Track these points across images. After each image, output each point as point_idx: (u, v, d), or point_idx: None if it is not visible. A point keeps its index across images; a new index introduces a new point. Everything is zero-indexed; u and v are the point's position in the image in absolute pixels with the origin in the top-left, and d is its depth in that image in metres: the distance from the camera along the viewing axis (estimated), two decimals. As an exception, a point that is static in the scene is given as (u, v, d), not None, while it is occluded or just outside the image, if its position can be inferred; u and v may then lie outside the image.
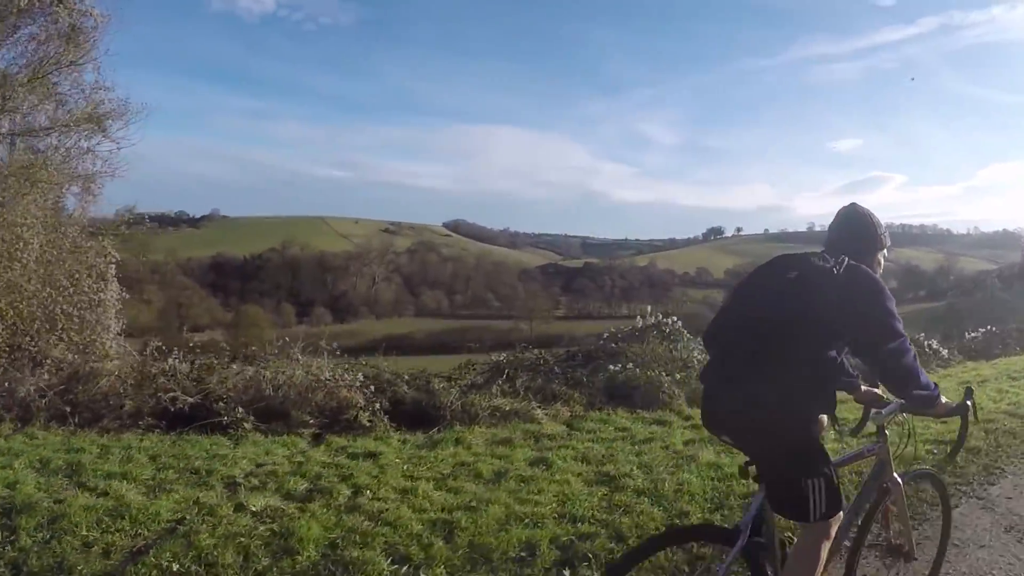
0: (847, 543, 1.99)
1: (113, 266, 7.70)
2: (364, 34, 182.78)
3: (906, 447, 2.10)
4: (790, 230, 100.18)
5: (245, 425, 4.73)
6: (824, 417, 1.84)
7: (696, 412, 5.53)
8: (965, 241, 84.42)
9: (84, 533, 2.55)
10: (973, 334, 9.28)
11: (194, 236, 73.29)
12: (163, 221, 77.22)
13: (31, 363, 6.02)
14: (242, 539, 2.47)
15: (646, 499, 2.86)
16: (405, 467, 3.54)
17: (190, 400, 4.94)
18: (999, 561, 2.61)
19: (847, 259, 1.76)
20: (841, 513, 1.78)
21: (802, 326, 1.66)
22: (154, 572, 2.24)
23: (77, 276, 7.03)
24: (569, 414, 5.38)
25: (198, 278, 56.53)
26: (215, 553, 2.36)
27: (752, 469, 1.76)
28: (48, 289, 6.70)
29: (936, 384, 1.82)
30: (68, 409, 4.94)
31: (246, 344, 7.00)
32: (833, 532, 1.77)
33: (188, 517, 2.69)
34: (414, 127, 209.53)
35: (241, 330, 35.90)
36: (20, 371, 5.39)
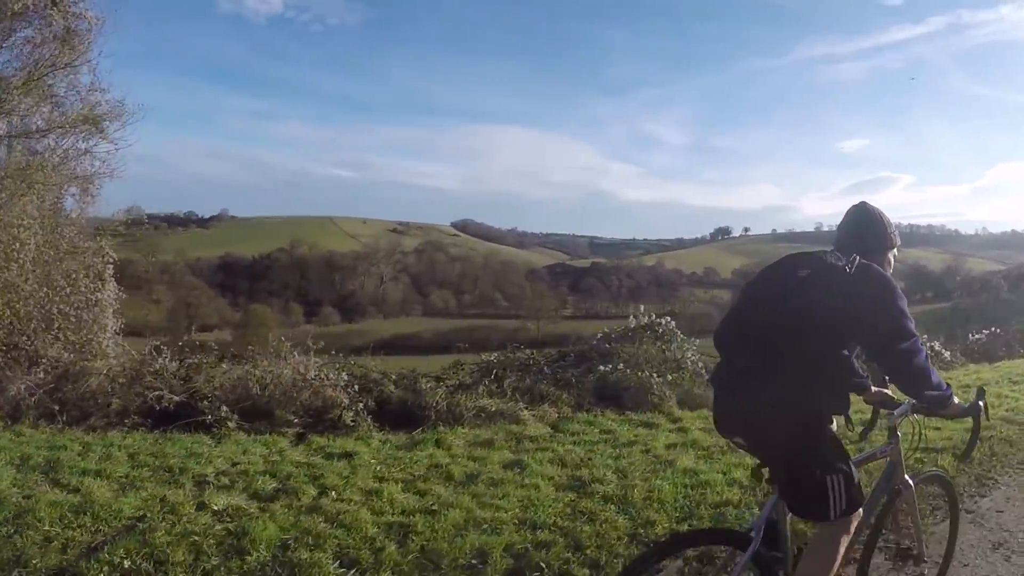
0: (858, 545, 1.95)
1: (111, 266, 7.76)
2: (371, 34, 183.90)
3: (917, 449, 2.08)
4: (797, 230, 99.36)
5: (229, 424, 4.74)
6: (839, 417, 1.81)
7: (685, 414, 5.46)
8: (973, 242, 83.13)
9: (47, 528, 2.56)
10: (977, 336, 9.10)
11: (203, 236, 74.23)
12: (172, 221, 78.60)
13: (27, 362, 6.09)
14: (196, 538, 2.46)
15: (613, 507, 2.80)
16: (378, 468, 3.51)
17: (176, 399, 4.97)
18: (982, 582, 2.48)
19: (858, 258, 1.74)
20: (861, 509, 1.77)
21: (815, 325, 1.64)
22: (106, 568, 2.24)
23: (74, 276, 7.10)
24: (556, 415, 5.33)
25: (207, 278, 57.18)
26: (167, 551, 2.35)
27: (765, 472, 1.74)
28: (45, 289, 6.76)
29: (949, 384, 1.80)
30: (56, 407, 4.99)
31: (252, 344, 7.02)
32: (853, 528, 1.76)
33: (149, 515, 2.69)
34: (422, 127, 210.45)
35: (249, 330, 36.20)
36: (12, 370, 5.45)
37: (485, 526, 2.56)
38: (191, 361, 5.58)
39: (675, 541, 1.82)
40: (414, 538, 2.46)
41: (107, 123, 7.19)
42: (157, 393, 4.99)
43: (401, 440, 4.41)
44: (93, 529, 2.59)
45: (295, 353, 5.66)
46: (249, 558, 2.31)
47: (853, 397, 1.79)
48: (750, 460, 3.19)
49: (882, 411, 2.05)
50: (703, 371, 6.86)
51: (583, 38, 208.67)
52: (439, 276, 76.48)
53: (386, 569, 2.26)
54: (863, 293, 1.68)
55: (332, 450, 3.96)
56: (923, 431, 2.08)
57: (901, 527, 2.09)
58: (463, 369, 6.00)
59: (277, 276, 62.88)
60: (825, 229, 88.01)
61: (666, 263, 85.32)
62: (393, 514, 2.73)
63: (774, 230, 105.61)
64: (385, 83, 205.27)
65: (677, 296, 70.13)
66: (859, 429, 2.12)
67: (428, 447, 4.06)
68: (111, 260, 7.83)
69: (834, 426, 1.79)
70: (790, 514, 1.75)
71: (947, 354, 7.97)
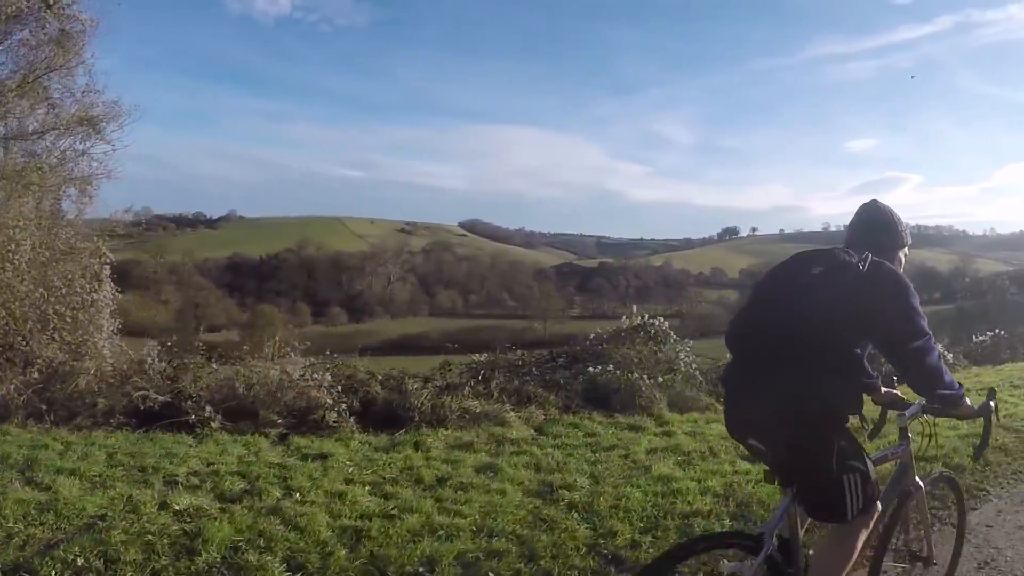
0: (869, 552, 1.93)
1: (108, 267, 7.82)
2: (379, 35, 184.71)
3: (927, 449, 2.07)
4: (805, 230, 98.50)
5: (212, 424, 4.74)
6: (854, 418, 1.80)
7: (674, 417, 5.37)
8: (981, 242, 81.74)
9: (10, 525, 2.57)
10: (981, 338, 8.88)
11: (211, 237, 75.04)
12: (180, 222, 79.51)
13: (23, 363, 6.15)
14: (151, 537, 2.45)
15: (577, 515, 2.73)
16: (350, 470, 3.49)
17: (160, 399, 4.99)
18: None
19: (871, 256, 1.73)
20: (879, 504, 1.76)
21: (828, 323, 1.62)
22: (60, 566, 2.24)
23: (70, 277, 7.16)
24: (543, 417, 5.27)
25: (215, 278, 57.73)
26: (120, 550, 2.35)
27: (771, 475, 1.72)
28: (41, 290, 6.83)
29: (961, 384, 1.79)
30: (44, 407, 5.03)
31: (260, 344, 7.04)
32: (872, 523, 1.75)
33: (110, 514, 2.69)
34: (429, 127, 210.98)
35: (257, 330, 36.49)
36: (4, 370, 5.51)
37: (441, 532, 2.51)
38: (179, 361, 5.60)
39: (688, 546, 1.80)
40: (366, 543, 2.42)
41: (104, 124, 7.27)
42: (142, 393, 5.01)
43: (382, 442, 4.38)
44: (55, 527, 2.60)
45: (292, 353, 5.68)
46: (199, 559, 2.30)
47: (863, 398, 1.78)
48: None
49: (892, 412, 2.03)
50: (696, 373, 6.76)
51: (590, 37, 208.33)
52: (446, 276, 76.60)
53: (332, 574, 2.23)
54: (876, 291, 1.66)
55: (309, 451, 3.94)
56: (934, 432, 2.05)
57: (910, 529, 2.07)
58: (451, 370, 5.95)
59: (285, 276, 63.34)
60: (833, 229, 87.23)
61: (674, 263, 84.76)
62: (351, 518, 2.70)
63: (782, 230, 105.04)
64: (393, 83, 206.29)
65: (685, 296, 69.60)
66: (866, 431, 2.10)
67: (406, 449, 4.02)
68: (108, 261, 7.89)
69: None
70: (803, 517, 1.75)
71: (950, 356, 7.78)
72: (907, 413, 1.93)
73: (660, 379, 6.06)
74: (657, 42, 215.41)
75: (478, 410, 5.06)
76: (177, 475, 3.34)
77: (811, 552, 1.82)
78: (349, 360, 5.92)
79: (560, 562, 2.31)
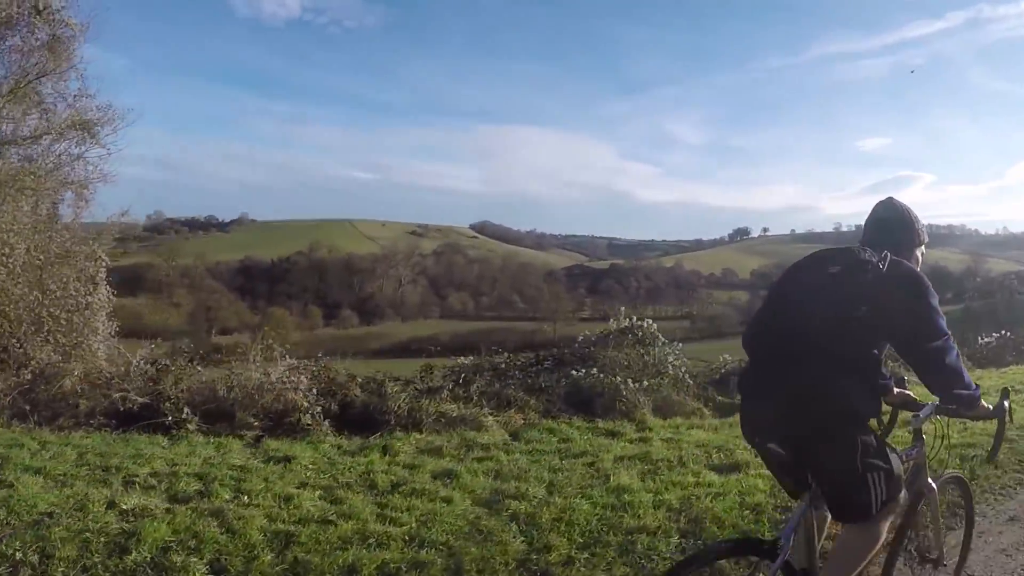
0: (881, 558, 1.91)
1: (103, 270, 7.92)
2: (388, 37, 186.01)
3: (940, 450, 2.06)
4: (817, 230, 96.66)
5: (189, 426, 4.76)
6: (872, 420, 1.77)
7: (656, 422, 5.25)
8: (993, 241, 79.64)
9: (-37, 520, 2.58)
10: (987, 339, 8.61)
11: (223, 240, 76.16)
12: (193, 225, 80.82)
13: (16, 364, 6.25)
14: (89, 535, 2.46)
15: (517, 527, 2.64)
16: (308, 474, 3.46)
17: (140, 400, 5.03)
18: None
19: (889, 255, 1.71)
20: (904, 495, 1.77)
21: (847, 323, 1.61)
22: (-2, 560, 2.26)
23: (65, 280, 7.26)
24: (522, 422, 5.19)
25: (227, 281, 58.61)
26: (58, 546, 2.36)
27: (788, 480, 1.71)
28: (35, 293, 6.93)
29: (978, 385, 1.77)
30: (28, 408, 5.10)
31: (270, 347, 7.10)
32: (895, 514, 1.77)
33: (59, 511, 2.71)
34: (440, 128, 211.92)
35: (267, 332, 36.91)
36: (-6, 370, 5.60)
37: (372, 540, 2.46)
38: (162, 364, 5.64)
39: (704, 554, 1.78)
40: (294, 548, 2.40)
41: (98, 128, 7.38)
42: (121, 395, 5.05)
43: (353, 445, 4.34)
44: (5, 522, 2.62)
45: (283, 356, 5.68)
46: (128, 558, 2.31)
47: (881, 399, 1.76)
48: (721, 480, 3.05)
49: (904, 413, 2.02)
50: (686, 376, 6.63)
51: (599, 36, 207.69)
52: (457, 278, 76.78)
53: None
54: (895, 291, 1.64)
55: (275, 454, 3.93)
56: (947, 433, 2.03)
57: (920, 530, 2.05)
58: (433, 373, 5.90)
59: (296, 279, 64.06)
60: (844, 229, 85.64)
61: (685, 264, 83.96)
62: (288, 522, 2.67)
63: (793, 230, 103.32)
64: (402, 85, 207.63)
65: (695, 297, 68.97)
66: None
67: (374, 453, 3.99)
68: (104, 264, 7.99)
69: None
70: (819, 521, 1.75)
71: (953, 359, 7.52)
72: (921, 414, 1.89)
73: (646, 383, 5.94)
74: (666, 41, 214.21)
75: (455, 414, 5.01)
76: (137, 475, 3.35)
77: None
78: (332, 362, 5.89)
79: (484, 576, 2.25)
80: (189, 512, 2.74)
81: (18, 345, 6.62)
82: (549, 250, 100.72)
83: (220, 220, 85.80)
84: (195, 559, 2.29)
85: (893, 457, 1.71)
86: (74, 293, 7.29)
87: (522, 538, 2.51)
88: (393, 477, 3.36)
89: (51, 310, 6.95)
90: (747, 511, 2.78)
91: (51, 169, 7.51)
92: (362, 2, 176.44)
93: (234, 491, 3.05)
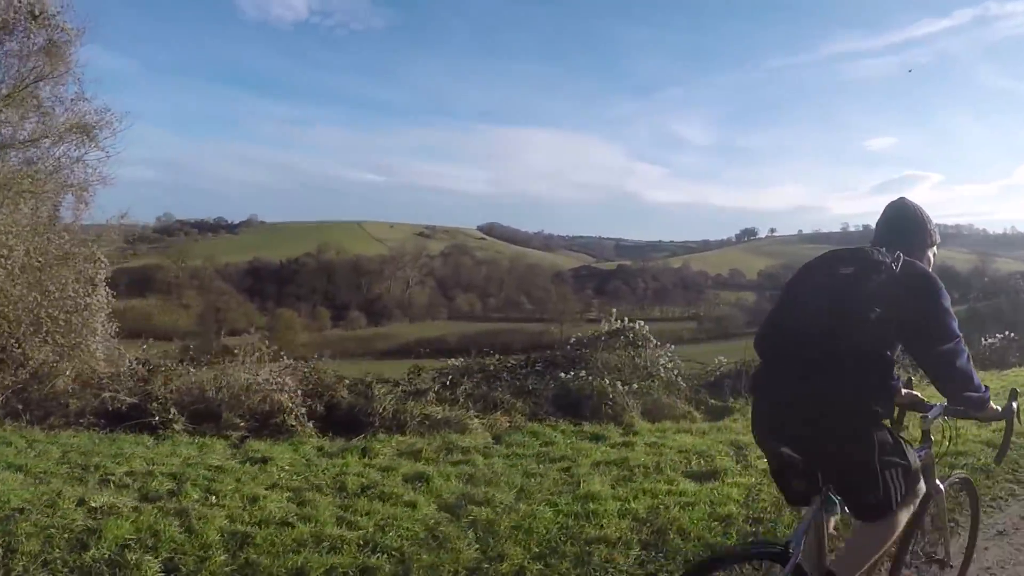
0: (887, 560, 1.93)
1: (103, 272, 8.01)
2: (396, 38, 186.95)
3: (947, 451, 2.06)
4: (824, 231, 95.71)
5: (175, 426, 4.80)
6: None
7: (644, 426, 5.20)
8: (1001, 241, 78.09)
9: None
10: (990, 340, 8.36)
11: (232, 241, 76.96)
12: (202, 227, 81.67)
13: (15, 364, 6.34)
14: (54, 531, 2.49)
15: (474, 534, 2.61)
16: (281, 475, 3.46)
17: (128, 401, 5.08)
18: None
19: (902, 256, 1.71)
20: (922, 484, 1.78)
21: (860, 325, 1.60)
22: (-36, 553, 2.28)
23: (64, 282, 7.35)
24: (508, 424, 5.16)
25: (236, 283, 59.17)
26: (23, 540, 2.39)
27: (800, 484, 1.68)
28: (34, 294, 7.03)
29: (987, 387, 1.77)
30: (20, 407, 5.17)
31: (280, 347, 7.14)
32: (918, 503, 1.79)
33: (29, 507, 2.73)
34: (448, 130, 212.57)
35: (276, 333, 37.25)
36: (-11, 370, 5.68)
37: (326, 544, 2.45)
38: (152, 365, 5.70)
39: (715, 560, 1.77)
40: (247, 550, 2.40)
41: (97, 131, 7.47)
42: (110, 395, 5.11)
43: (334, 446, 4.34)
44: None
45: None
46: (87, 554, 2.33)
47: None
48: (694, 489, 2.99)
49: (911, 414, 2.02)
50: (679, 379, 6.56)
51: (606, 37, 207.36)
52: (465, 279, 76.87)
53: None
54: (908, 292, 1.63)
55: (255, 455, 3.93)
56: (955, 434, 2.03)
57: (927, 532, 2.06)
58: (421, 375, 5.89)
59: (305, 280, 64.48)
60: (852, 229, 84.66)
61: (692, 265, 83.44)
62: (247, 523, 2.68)
63: (800, 231, 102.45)
64: (410, 86, 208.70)
65: (703, 298, 68.44)
66: None
67: (352, 455, 3.98)
68: (104, 266, 8.08)
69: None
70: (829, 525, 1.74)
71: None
72: (929, 415, 1.88)
73: (635, 385, 5.88)
74: (670, 41, 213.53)
75: (439, 416, 4.99)
76: (114, 474, 3.38)
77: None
78: (320, 364, 5.90)
79: (428, 586, 2.23)
80: (155, 511, 2.76)
81: (16, 345, 6.71)
82: (556, 251, 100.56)
83: (229, 222, 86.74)
84: (150, 557, 2.31)
85: (909, 451, 1.72)
86: (72, 295, 7.37)
87: (477, 546, 2.47)
88: (364, 480, 3.35)
89: (50, 311, 7.04)
90: (716, 522, 2.72)
91: (51, 172, 7.61)
92: (369, 4, 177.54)
93: (204, 491, 3.07)
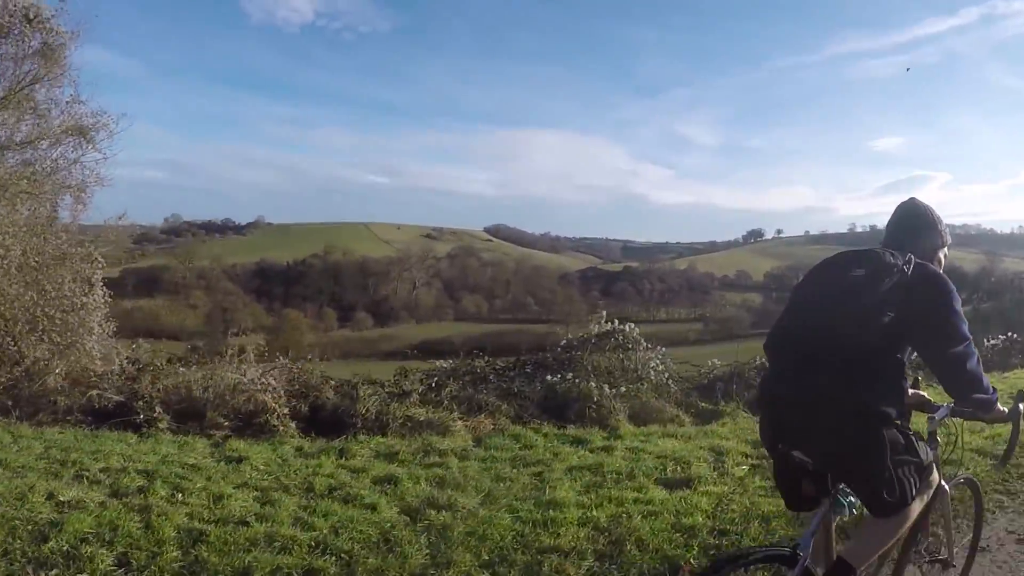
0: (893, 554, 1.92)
1: (100, 272, 8.08)
2: (403, 41, 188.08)
3: (953, 451, 2.06)
4: (831, 231, 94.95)
5: (160, 424, 4.83)
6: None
7: (628, 430, 5.14)
8: (1010, 240, 76.70)
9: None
10: (993, 341, 8.20)
11: (240, 242, 77.68)
12: (210, 228, 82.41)
13: (11, 362, 6.42)
14: (18, 523, 2.51)
15: (427, 539, 2.58)
16: (253, 474, 3.47)
17: (115, 399, 5.12)
18: None
19: (914, 258, 1.70)
20: (935, 476, 1.82)
21: (872, 328, 1.60)
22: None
23: (60, 281, 7.43)
24: (491, 427, 5.13)
25: (243, 283, 59.73)
26: None
27: (810, 488, 1.69)
28: (31, 293, 7.11)
29: (995, 388, 1.77)
30: (11, 403, 5.24)
31: (285, 348, 7.16)
32: (932, 493, 1.83)
33: None
34: (455, 132, 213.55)
35: (282, 334, 37.50)
36: (-19, 368, 5.76)
37: (278, 544, 2.45)
38: (142, 364, 5.75)
39: (721, 564, 1.75)
40: (200, 547, 2.42)
41: (93, 133, 7.56)
42: (97, 392, 5.16)
43: (315, 447, 4.34)
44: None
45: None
46: (45, 546, 2.36)
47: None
48: (661, 497, 2.94)
49: (918, 414, 1.99)
50: (669, 382, 6.50)
51: (613, 39, 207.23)
52: (471, 281, 77.01)
53: (151, 573, 2.25)
54: (920, 296, 1.64)
55: (232, 454, 3.94)
56: (960, 434, 2.03)
57: (931, 532, 2.06)
58: (407, 376, 5.88)
59: (311, 281, 64.91)
60: (859, 230, 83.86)
61: (698, 266, 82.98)
62: (206, 521, 2.69)
63: (807, 232, 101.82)
64: (418, 89, 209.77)
65: (709, 299, 68.01)
66: None
67: (330, 456, 3.97)
68: (100, 266, 8.16)
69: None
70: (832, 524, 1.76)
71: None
72: (936, 416, 1.88)
73: (623, 389, 5.83)
74: (676, 43, 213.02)
75: (422, 418, 4.98)
76: (89, 470, 3.41)
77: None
78: (307, 364, 5.91)
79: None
80: (120, 506, 2.78)
81: (12, 343, 6.80)
82: (563, 253, 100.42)
83: (236, 223, 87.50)
84: (105, 551, 2.33)
85: (920, 446, 1.73)
86: (69, 294, 7.45)
87: (427, 551, 2.44)
88: (333, 481, 3.34)
89: (46, 310, 7.12)
90: (679, 534, 2.64)
91: (48, 173, 7.70)
92: (376, 7, 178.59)
93: (173, 488, 3.09)
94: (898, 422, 1.68)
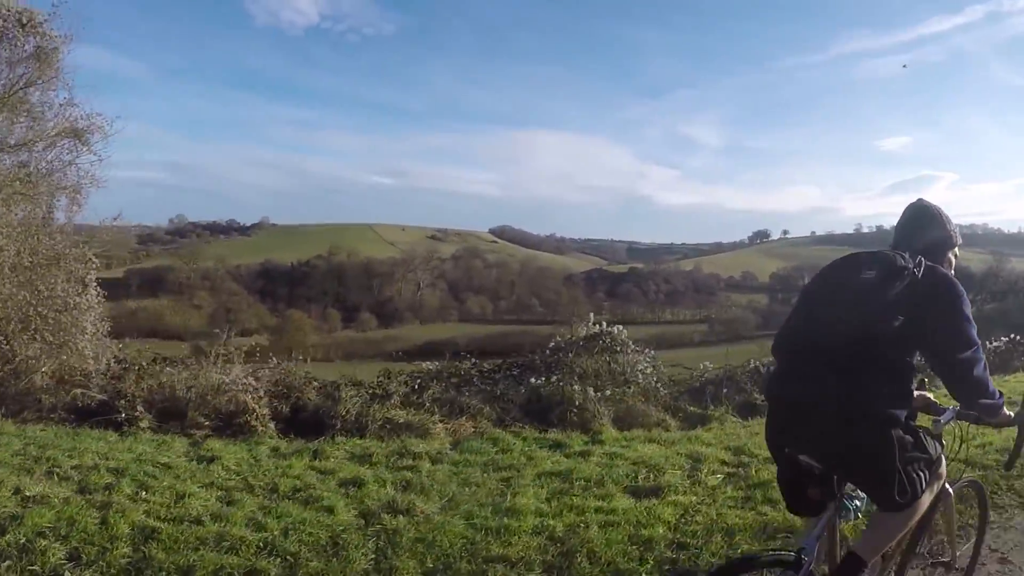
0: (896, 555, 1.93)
1: (94, 272, 8.14)
2: (407, 43, 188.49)
3: (958, 454, 2.05)
4: (837, 232, 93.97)
5: (141, 423, 4.86)
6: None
7: (610, 435, 5.09)
8: (1018, 240, 75.31)
9: None
10: (995, 343, 7.98)
11: (244, 243, 78.11)
12: (214, 229, 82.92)
13: (2, 360, 6.48)
14: None
15: (375, 544, 2.55)
16: (221, 474, 3.48)
17: (98, 397, 5.17)
18: None
19: (924, 260, 1.69)
20: (944, 468, 1.84)
21: (882, 331, 1.59)
22: None
23: (53, 281, 7.49)
24: (472, 430, 5.11)
25: (247, 284, 60.04)
26: None
27: (816, 491, 1.68)
28: (23, 293, 7.18)
29: (1001, 393, 1.76)
30: (-3, 401, 5.29)
31: (288, 349, 7.19)
32: (942, 483, 1.85)
33: None
34: (460, 133, 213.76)
35: (285, 335, 37.69)
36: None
37: (227, 544, 2.45)
38: (128, 363, 5.79)
39: (724, 569, 1.75)
40: (151, 544, 2.43)
41: (89, 135, 7.63)
42: (81, 391, 5.20)
43: (291, 447, 4.34)
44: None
45: (215, 360, 5.75)
46: (2, 538, 2.38)
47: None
48: (625, 506, 2.88)
49: (923, 416, 2.00)
50: (658, 386, 6.44)
51: (618, 39, 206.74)
52: (476, 282, 77.04)
53: (99, 568, 2.27)
54: (930, 300, 1.63)
55: (206, 453, 3.96)
56: (966, 437, 2.03)
57: (935, 534, 2.06)
58: (390, 378, 5.87)
59: (315, 282, 65.18)
60: (865, 230, 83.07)
61: (704, 267, 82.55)
62: (161, 519, 2.70)
63: (813, 232, 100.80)
64: (422, 90, 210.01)
65: (715, 300, 67.61)
66: None
67: (302, 457, 3.97)
68: (94, 266, 8.22)
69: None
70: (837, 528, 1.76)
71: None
72: (942, 419, 1.86)
73: (608, 392, 5.78)
74: (685, 42, 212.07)
75: (401, 420, 4.96)
76: (61, 467, 3.45)
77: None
78: (293, 365, 5.92)
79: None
80: (83, 502, 2.81)
81: (4, 342, 6.86)
82: (568, 254, 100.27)
83: (241, 224, 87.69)
84: (58, 545, 2.35)
85: (928, 441, 1.74)
86: (62, 294, 7.51)
87: (373, 557, 2.41)
88: (299, 482, 3.33)
89: (39, 310, 7.18)
90: (634, 546, 2.57)
91: (43, 175, 7.78)
92: (380, 9, 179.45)
93: (139, 486, 3.11)
94: (906, 422, 1.67)
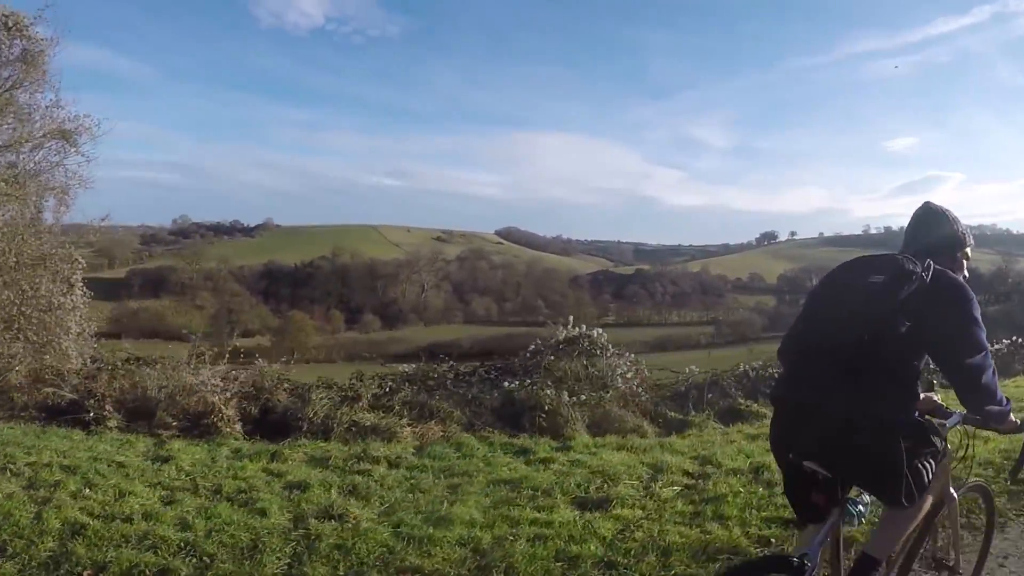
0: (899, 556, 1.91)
1: (79, 272, 8.19)
2: (412, 44, 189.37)
3: (963, 459, 2.03)
4: (845, 233, 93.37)
5: (109, 422, 4.87)
6: None
7: (580, 441, 4.98)
8: None
9: None
10: (997, 346, 7.83)
11: (248, 244, 78.57)
12: (218, 230, 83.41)
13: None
14: None
15: (292, 549, 2.50)
16: (172, 473, 3.49)
17: (68, 396, 5.19)
18: None
19: (933, 264, 1.67)
20: (947, 459, 1.85)
21: (891, 335, 1.58)
22: None
23: (38, 281, 7.54)
24: (441, 434, 5.05)
25: (250, 285, 60.36)
26: None
27: (821, 497, 1.67)
28: (7, 292, 7.23)
29: (1008, 399, 1.75)
30: (-33, 400, 5.33)
31: (291, 349, 7.18)
32: (948, 473, 1.88)
33: None
34: (465, 134, 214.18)
35: (287, 335, 37.85)
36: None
37: (148, 542, 2.45)
38: (102, 363, 5.81)
39: (726, 574, 1.79)
40: (76, 540, 2.44)
41: (76, 137, 7.69)
42: (52, 390, 5.23)
43: (253, 449, 4.31)
44: None
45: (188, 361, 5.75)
46: None
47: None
48: (561, 518, 2.80)
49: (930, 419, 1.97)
50: (638, 390, 6.35)
51: (624, 41, 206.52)
52: (481, 284, 77.02)
53: (21, 560, 2.29)
54: (939, 305, 1.61)
55: (164, 453, 3.96)
56: (971, 442, 2.01)
57: (939, 538, 2.07)
58: (362, 380, 5.83)
59: (319, 283, 65.42)
60: (873, 232, 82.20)
61: (711, 269, 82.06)
62: (93, 516, 2.70)
63: (821, 233, 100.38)
64: (427, 91, 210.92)
65: (722, 302, 67.13)
66: None
67: (259, 460, 3.94)
68: (80, 266, 8.28)
69: None
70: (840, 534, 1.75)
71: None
72: (948, 423, 1.86)
73: (584, 396, 5.70)
74: (689, 44, 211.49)
75: (367, 423, 4.92)
76: (16, 463, 3.47)
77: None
78: (267, 367, 5.91)
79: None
80: (25, 498, 2.82)
81: (-13, 341, 6.90)
82: (574, 255, 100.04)
83: (245, 225, 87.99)
84: None
85: (933, 434, 1.74)
86: (46, 294, 7.56)
87: (287, 562, 2.37)
88: (244, 484, 3.30)
89: (23, 309, 7.23)
90: (560, 563, 2.45)
91: (31, 175, 7.85)
92: (385, 11, 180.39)
93: (85, 484, 3.13)
94: (910, 423, 1.66)
